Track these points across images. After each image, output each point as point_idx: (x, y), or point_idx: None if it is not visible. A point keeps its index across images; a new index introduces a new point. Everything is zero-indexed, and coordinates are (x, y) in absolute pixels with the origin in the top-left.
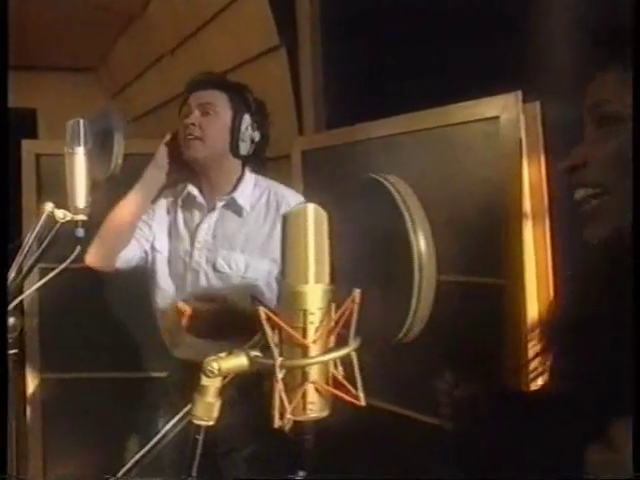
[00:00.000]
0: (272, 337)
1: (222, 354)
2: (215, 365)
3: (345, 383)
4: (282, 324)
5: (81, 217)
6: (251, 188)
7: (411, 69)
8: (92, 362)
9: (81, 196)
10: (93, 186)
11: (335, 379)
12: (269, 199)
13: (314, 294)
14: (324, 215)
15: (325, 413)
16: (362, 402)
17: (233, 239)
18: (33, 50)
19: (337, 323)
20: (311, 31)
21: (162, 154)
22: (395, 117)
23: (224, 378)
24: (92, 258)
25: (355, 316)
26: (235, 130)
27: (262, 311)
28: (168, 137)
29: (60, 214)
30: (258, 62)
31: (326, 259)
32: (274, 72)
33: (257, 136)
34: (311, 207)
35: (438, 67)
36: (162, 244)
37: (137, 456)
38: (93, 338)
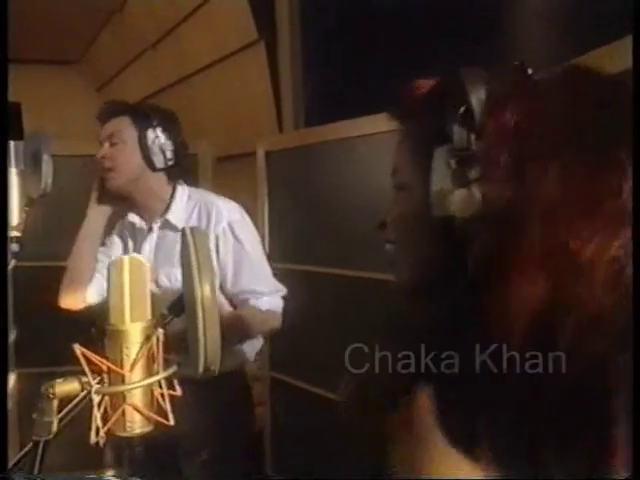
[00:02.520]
0: (89, 368)
1: (59, 379)
2: (51, 390)
3: (162, 405)
4: (95, 358)
5: (15, 233)
6: (184, 203)
7: (392, 66)
8: (67, 356)
9: (14, 214)
10: (29, 203)
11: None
12: (200, 211)
13: (130, 331)
14: (143, 263)
15: (147, 429)
16: (170, 422)
17: (172, 255)
18: (16, 43)
19: (150, 355)
20: (290, 26)
21: (95, 193)
22: (351, 120)
23: (61, 400)
24: (64, 301)
25: (160, 351)
26: (143, 147)
27: (77, 348)
28: (97, 176)
29: None
30: (237, 57)
31: (146, 301)
32: (253, 67)
33: (168, 145)
34: (127, 259)
35: (417, 64)
36: None
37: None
38: (67, 333)
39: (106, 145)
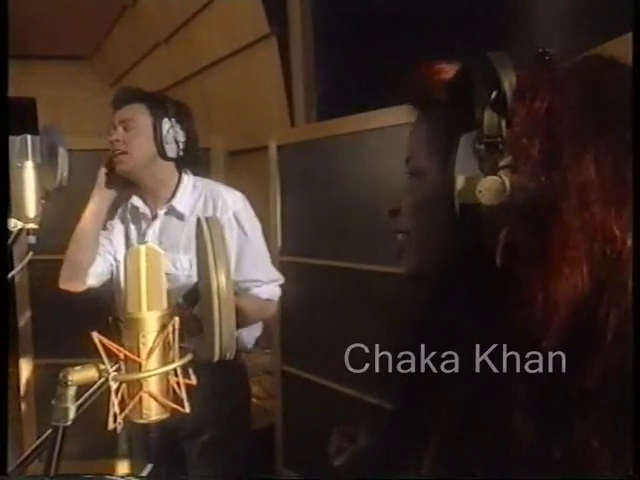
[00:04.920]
0: (106, 355)
1: (77, 367)
2: (69, 377)
3: (178, 392)
4: (112, 346)
5: (32, 225)
6: (190, 192)
7: (403, 59)
8: (83, 348)
9: (31, 206)
10: (46, 195)
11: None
12: (206, 200)
13: (147, 320)
14: (158, 253)
15: (164, 416)
16: (186, 410)
17: (176, 242)
18: (29, 39)
19: (166, 344)
20: (302, 20)
21: (102, 175)
22: (363, 113)
23: (78, 387)
24: (64, 282)
25: (176, 339)
26: (157, 136)
27: (95, 336)
28: (106, 158)
29: (11, 223)
30: (249, 51)
31: (162, 290)
32: (264, 61)
33: (181, 136)
34: (143, 248)
35: (429, 57)
36: (121, 254)
37: (32, 446)
38: (83, 325)
39: (120, 129)
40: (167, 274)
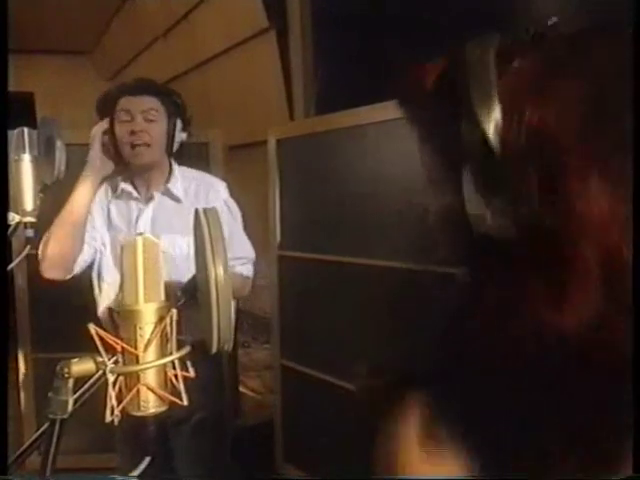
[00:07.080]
0: (103, 347)
1: (74, 359)
2: (66, 369)
3: (176, 384)
4: (110, 338)
5: (29, 219)
6: (180, 180)
7: (403, 52)
8: (83, 342)
9: (29, 200)
10: (43, 189)
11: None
12: (198, 187)
13: (144, 312)
14: (156, 244)
15: (162, 409)
16: (184, 402)
17: (173, 224)
18: (29, 34)
19: (164, 336)
20: (301, 14)
21: (98, 158)
22: (362, 107)
23: (75, 379)
24: (50, 271)
25: (174, 331)
26: (170, 134)
27: (92, 328)
28: (98, 138)
29: (9, 217)
30: (248, 45)
31: (159, 281)
32: (263, 55)
33: (184, 137)
34: (140, 239)
35: (430, 51)
36: (105, 239)
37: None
38: (82, 318)
39: (139, 118)
40: (164, 253)
